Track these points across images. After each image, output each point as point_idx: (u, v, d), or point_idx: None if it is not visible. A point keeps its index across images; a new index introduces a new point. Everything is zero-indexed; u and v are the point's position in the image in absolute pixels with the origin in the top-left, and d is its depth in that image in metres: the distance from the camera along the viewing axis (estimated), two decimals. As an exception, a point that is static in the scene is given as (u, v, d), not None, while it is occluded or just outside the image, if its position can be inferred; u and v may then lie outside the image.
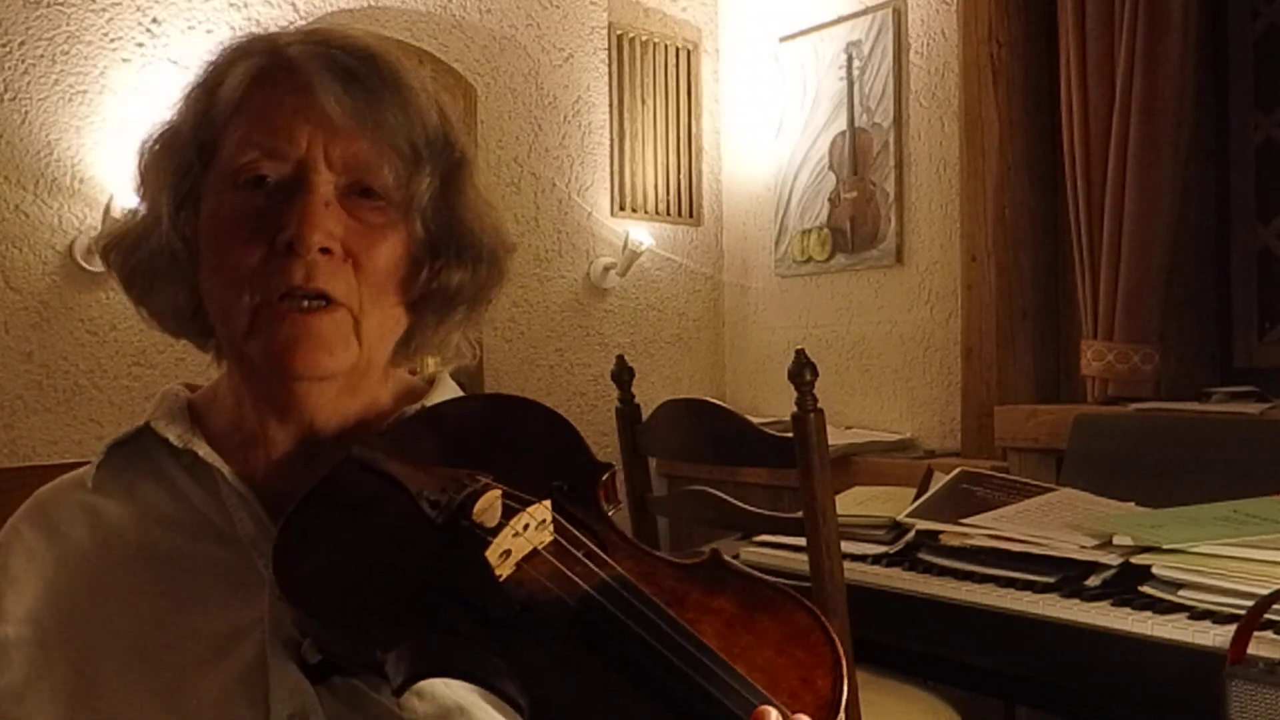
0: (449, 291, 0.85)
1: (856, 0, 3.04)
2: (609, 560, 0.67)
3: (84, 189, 2.30)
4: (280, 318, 0.76)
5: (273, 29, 0.82)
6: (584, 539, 0.69)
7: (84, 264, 2.30)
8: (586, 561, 0.67)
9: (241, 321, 0.77)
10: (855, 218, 3.05)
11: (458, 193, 0.84)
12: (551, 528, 0.69)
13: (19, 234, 2.25)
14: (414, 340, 0.87)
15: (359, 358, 0.79)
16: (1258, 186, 2.48)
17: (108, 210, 2.25)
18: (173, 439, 0.81)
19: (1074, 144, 2.43)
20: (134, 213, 0.83)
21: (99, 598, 0.77)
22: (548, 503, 0.70)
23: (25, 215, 2.25)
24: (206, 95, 0.80)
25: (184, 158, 0.80)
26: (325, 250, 0.76)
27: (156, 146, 0.82)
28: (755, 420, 1.86)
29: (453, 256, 0.84)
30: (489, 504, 0.68)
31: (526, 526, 0.68)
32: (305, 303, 0.76)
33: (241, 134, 0.78)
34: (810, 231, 3.17)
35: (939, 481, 2.03)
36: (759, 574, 0.68)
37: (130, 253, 0.82)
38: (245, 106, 0.78)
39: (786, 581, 0.69)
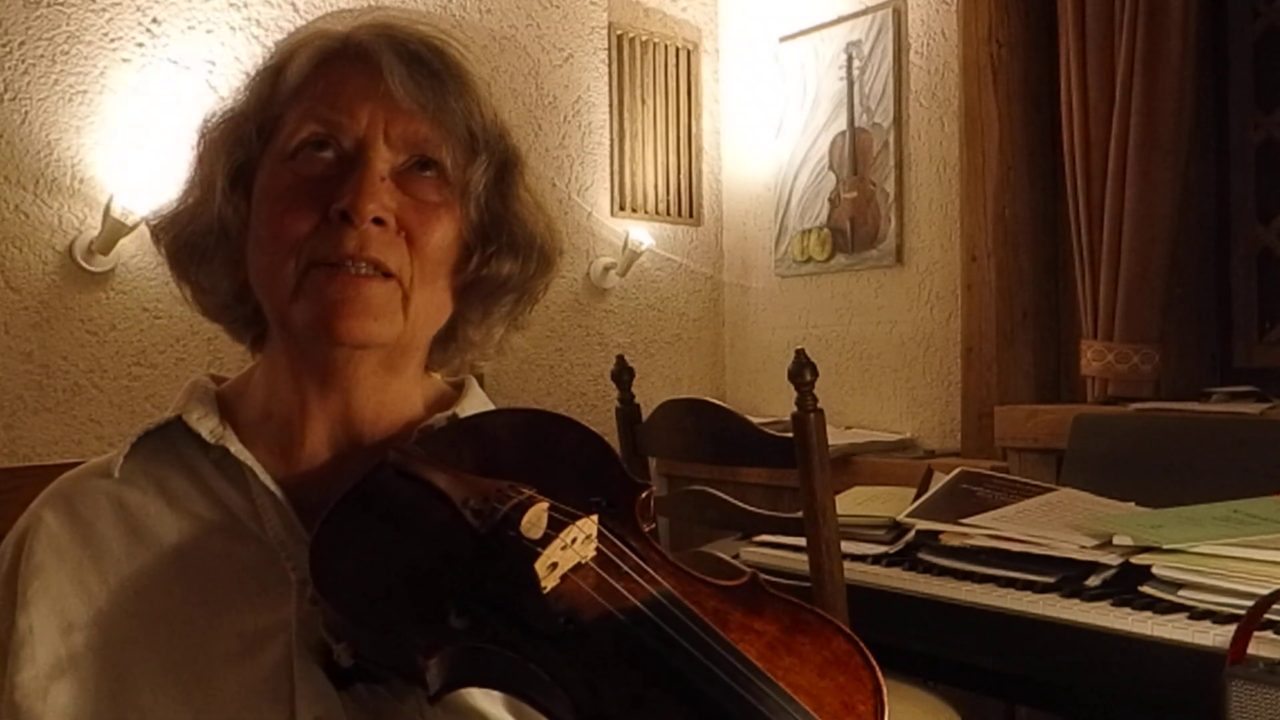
0: (498, 280, 0.84)
1: (856, 0, 3.04)
2: (656, 576, 0.67)
3: (84, 189, 2.30)
4: (330, 279, 0.75)
5: (341, 26, 0.82)
6: (629, 553, 0.69)
7: (84, 264, 2.30)
8: (634, 575, 0.67)
9: (288, 284, 0.76)
10: (855, 218, 3.05)
11: (511, 186, 0.85)
12: (596, 542, 0.69)
13: (19, 234, 2.25)
14: (456, 334, 0.87)
15: (403, 331, 0.79)
16: (1258, 186, 2.48)
17: (108, 210, 2.24)
18: (205, 434, 0.80)
19: (1074, 144, 2.43)
20: (186, 194, 0.83)
21: (126, 591, 0.76)
22: (595, 517, 0.70)
23: (25, 215, 2.25)
24: (271, 78, 0.81)
25: (243, 134, 0.80)
26: (379, 221, 0.76)
27: (215, 129, 0.82)
28: (755, 420, 1.86)
29: (504, 245, 0.84)
30: (536, 516, 0.68)
31: (574, 539, 0.68)
32: (354, 268, 0.75)
33: (303, 109, 0.78)
34: (810, 231, 3.17)
35: (939, 481, 2.03)
36: (797, 599, 0.68)
37: (180, 230, 0.82)
38: (308, 85, 0.79)
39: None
